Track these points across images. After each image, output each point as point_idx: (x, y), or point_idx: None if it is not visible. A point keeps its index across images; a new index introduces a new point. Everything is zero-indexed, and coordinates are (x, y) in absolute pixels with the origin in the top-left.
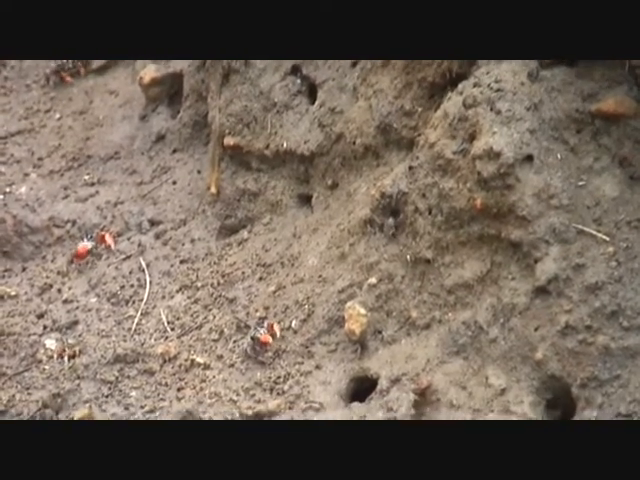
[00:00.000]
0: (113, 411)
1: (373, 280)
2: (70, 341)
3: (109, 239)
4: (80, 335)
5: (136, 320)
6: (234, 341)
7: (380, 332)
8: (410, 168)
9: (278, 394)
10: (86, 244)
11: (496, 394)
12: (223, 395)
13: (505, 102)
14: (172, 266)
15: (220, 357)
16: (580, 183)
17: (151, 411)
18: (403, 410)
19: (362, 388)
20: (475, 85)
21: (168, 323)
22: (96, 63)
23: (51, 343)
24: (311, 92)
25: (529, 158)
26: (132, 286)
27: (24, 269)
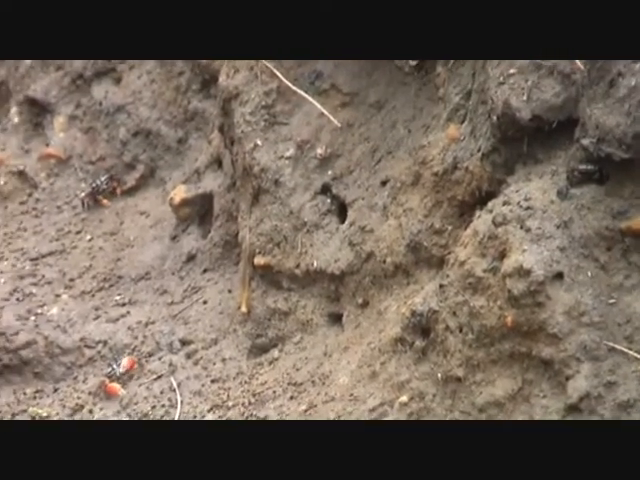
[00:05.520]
0: None
1: (404, 399)
2: None
3: (127, 363)
4: None
5: None
6: None
7: None
8: (440, 286)
9: None
10: (115, 385)
11: None
12: None
13: (535, 220)
14: (203, 386)
15: None
16: (611, 301)
17: None
18: None
19: None
20: (505, 203)
21: None
22: (128, 184)
23: None
24: (341, 211)
25: (559, 276)
26: (163, 406)
27: (55, 390)
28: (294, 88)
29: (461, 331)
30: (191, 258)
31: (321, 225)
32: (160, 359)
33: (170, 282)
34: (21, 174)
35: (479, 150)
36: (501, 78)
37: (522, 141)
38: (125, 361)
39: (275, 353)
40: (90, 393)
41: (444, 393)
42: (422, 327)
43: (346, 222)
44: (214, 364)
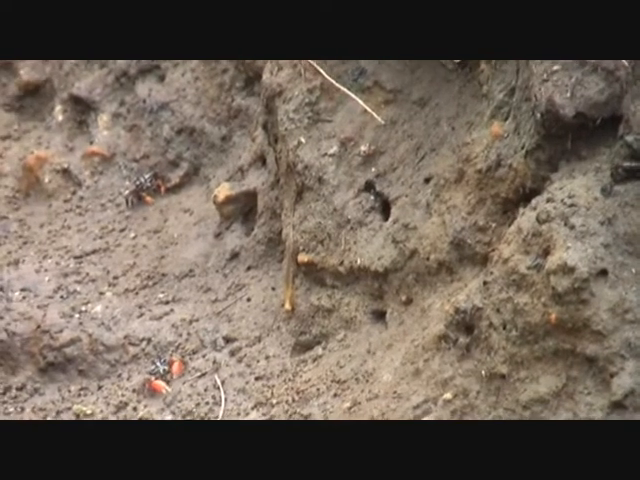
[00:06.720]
0: None
1: (448, 396)
2: None
3: (176, 367)
4: None
5: None
6: None
7: None
8: (484, 283)
9: None
10: (160, 383)
11: None
12: None
13: (579, 217)
14: (247, 383)
15: None
16: None
17: None
18: None
19: None
20: (548, 200)
21: None
22: (172, 181)
23: None
24: (384, 209)
25: (603, 273)
26: (207, 403)
27: (100, 387)
28: (337, 85)
29: (505, 328)
30: (235, 256)
31: (365, 222)
32: (204, 357)
33: (214, 280)
34: (65, 172)
35: (523, 147)
36: (545, 75)
37: (566, 138)
38: (175, 366)
39: (319, 350)
40: (134, 391)
41: (488, 390)
42: (466, 324)
43: (389, 219)
44: (258, 361)
